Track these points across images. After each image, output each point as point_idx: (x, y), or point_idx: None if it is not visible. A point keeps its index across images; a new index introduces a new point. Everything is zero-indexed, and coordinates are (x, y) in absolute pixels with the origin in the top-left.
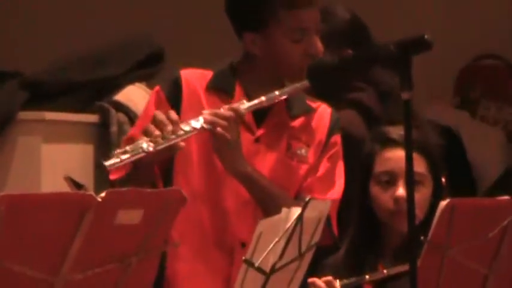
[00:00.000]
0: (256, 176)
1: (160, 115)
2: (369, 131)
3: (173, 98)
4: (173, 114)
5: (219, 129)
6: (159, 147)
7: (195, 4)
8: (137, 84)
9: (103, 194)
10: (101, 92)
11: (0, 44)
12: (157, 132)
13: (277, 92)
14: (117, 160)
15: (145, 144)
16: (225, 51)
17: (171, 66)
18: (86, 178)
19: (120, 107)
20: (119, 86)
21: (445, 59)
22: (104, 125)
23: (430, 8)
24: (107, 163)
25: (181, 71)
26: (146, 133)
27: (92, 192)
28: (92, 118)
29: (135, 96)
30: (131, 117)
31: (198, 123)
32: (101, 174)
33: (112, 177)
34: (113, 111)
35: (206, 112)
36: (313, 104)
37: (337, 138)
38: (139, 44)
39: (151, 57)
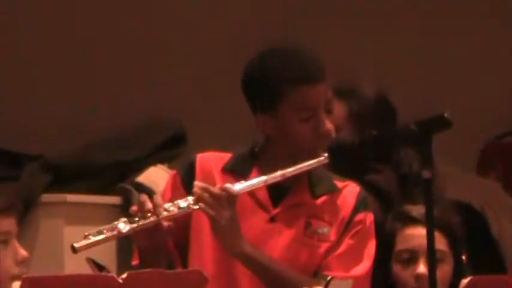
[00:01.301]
0: (257, 256)
1: (143, 197)
2: (385, 214)
3: (187, 182)
4: (156, 197)
5: (201, 205)
6: (135, 227)
7: (219, 85)
8: (159, 166)
9: (124, 276)
10: (123, 174)
11: (23, 128)
12: (137, 213)
13: (279, 172)
14: (87, 242)
15: (122, 224)
16: (249, 132)
17: (192, 149)
18: (109, 260)
19: (142, 189)
20: (140, 168)
21: (466, 136)
22: (126, 207)
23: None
24: (76, 245)
25: (198, 155)
26: (130, 215)
27: (113, 274)
28: (114, 200)
29: (157, 177)
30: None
31: (185, 203)
32: (124, 256)
33: (133, 262)
34: (135, 192)
35: (198, 184)
36: (340, 184)
37: (362, 216)
38: (161, 126)
39: (174, 139)
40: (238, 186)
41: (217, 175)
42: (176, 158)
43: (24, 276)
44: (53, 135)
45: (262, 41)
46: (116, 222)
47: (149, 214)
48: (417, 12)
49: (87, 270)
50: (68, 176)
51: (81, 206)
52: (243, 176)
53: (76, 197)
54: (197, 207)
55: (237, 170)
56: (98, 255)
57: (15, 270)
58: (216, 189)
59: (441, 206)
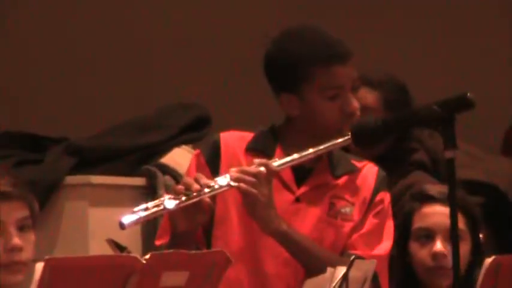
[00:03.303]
0: (293, 234)
1: (189, 178)
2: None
3: (212, 161)
4: (201, 176)
5: (242, 184)
6: (182, 204)
7: (241, 67)
8: (183, 147)
9: (147, 256)
10: (147, 156)
11: (47, 111)
12: (182, 191)
13: (310, 150)
14: (136, 217)
15: (168, 201)
16: (271, 114)
17: (217, 130)
18: (134, 242)
19: (167, 170)
20: (165, 150)
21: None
22: (151, 188)
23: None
24: (124, 219)
25: (221, 134)
26: (174, 193)
27: (136, 255)
28: (139, 181)
29: (182, 158)
30: (178, 180)
31: (225, 180)
32: (149, 238)
33: (157, 243)
34: (159, 174)
35: (234, 169)
36: (359, 164)
37: (383, 195)
38: (185, 109)
39: (198, 121)
40: (276, 163)
41: (241, 154)
42: (201, 140)
43: (47, 257)
44: (77, 118)
45: (281, 25)
46: (161, 199)
47: (192, 192)
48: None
49: (112, 252)
50: (92, 159)
51: (106, 187)
52: (267, 155)
53: (100, 178)
54: (236, 184)
55: (260, 149)
56: (123, 237)
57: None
58: (254, 169)
59: (463, 186)
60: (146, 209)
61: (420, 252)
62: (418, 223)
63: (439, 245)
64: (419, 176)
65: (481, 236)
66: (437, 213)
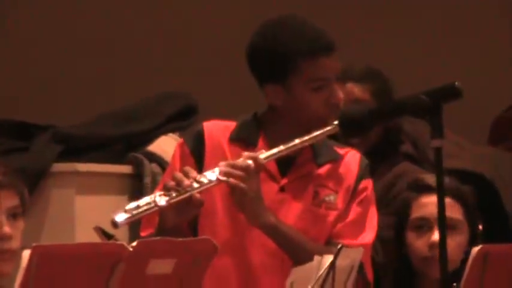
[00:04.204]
0: (280, 226)
1: (179, 174)
2: None
3: (197, 151)
4: (190, 170)
5: (232, 179)
6: (173, 201)
7: (224, 57)
8: (170, 135)
9: (134, 244)
10: (134, 144)
11: (34, 98)
12: (173, 188)
13: (297, 140)
14: (128, 215)
15: (159, 198)
16: (254, 103)
17: (203, 119)
18: (121, 230)
19: (154, 158)
20: (152, 138)
21: (478, 108)
22: (137, 176)
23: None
24: (117, 218)
25: (204, 123)
26: (165, 189)
27: (123, 242)
28: (126, 169)
29: (168, 146)
30: (165, 168)
31: (213, 174)
32: (136, 225)
33: (142, 234)
34: (146, 162)
35: (223, 164)
36: (341, 151)
37: (366, 183)
38: (172, 97)
39: (185, 110)
40: (262, 155)
41: (225, 144)
42: (187, 128)
43: (34, 244)
44: (63, 106)
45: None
46: (152, 196)
47: (183, 188)
48: None
49: (98, 240)
50: (78, 147)
51: (92, 175)
52: (251, 144)
53: (87, 166)
54: (225, 178)
55: (244, 139)
56: (110, 225)
57: None
58: (242, 162)
59: (451, 175)
60: (138, 207)
61: (417, 242)
62: (415, 213)
63: (436, 235)
64: (407, 166)
65: (480, 226)
66: (435, 203)
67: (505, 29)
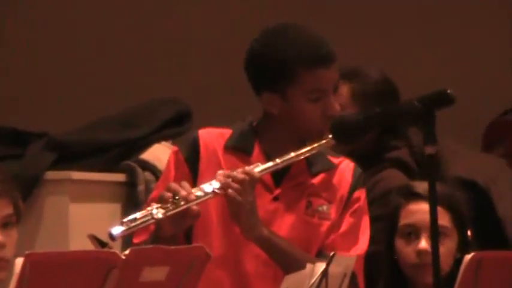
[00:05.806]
0: (273, 239)
1: (174, 185)
2: None
3: (191, 158)
4: (185, 183)
5: (230, 191)
6: (169, 213)
7: (220, 64)
8: (163, 143)
9: (127, 252)
10: (127, 151)
11: (28, 106)
12: (169, 200)
13: (292, 154)
14: (124, 228)
15: (156, 211)
16: (249, 109)
17: (197, 126)
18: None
19: (147, 166)
20: (145, 146)
21: (472, 113)
22: (131, 184)
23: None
24: (114, 231)
25: (200, 131)
26: (161, 200)
27: (116, 250)
28: (119, 177)
29: (162, 154)
30: (158, 176)
31: (210, 187)
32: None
33: (135, 240)
34: (139, 170)
35: (220, 173)
36: (335, 160)
37: (360, 193)
38: (166, 104)
39: (179, 117)
40: (258, 169)
41: (220, 152)
42: (181, 136)
43: (27, 252)
44: (57, 113)
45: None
46: (149, 208)
47: (180, 200)
48: None
49: (92, 248)
50: (72, 154)
51: (86, 183)
52: (246, 152)
53: (81, 174)
54: (220, 192)
55: (239, 148)
56: (103, 233)
57: None
58: (239, 175)
59: (444, 182)
60: (135, 219)
61: (405, 249)
62: (404, 220)
63: (423, 243)
64: (391, 173)
65: (469, 233)
66: (422, 211)
67: (503, 33)
